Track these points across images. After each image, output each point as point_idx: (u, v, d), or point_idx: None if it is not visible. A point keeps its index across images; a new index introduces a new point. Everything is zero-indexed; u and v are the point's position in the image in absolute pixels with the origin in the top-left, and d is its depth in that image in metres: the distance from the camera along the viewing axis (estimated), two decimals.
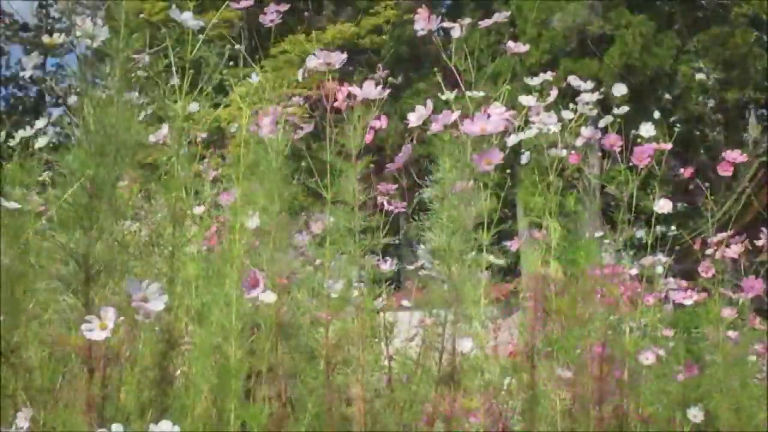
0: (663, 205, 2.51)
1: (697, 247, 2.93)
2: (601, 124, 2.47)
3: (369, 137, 1.94)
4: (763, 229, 2.72)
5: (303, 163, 2.03)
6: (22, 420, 1.56)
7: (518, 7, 14.78)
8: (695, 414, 2.50)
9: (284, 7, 1.94)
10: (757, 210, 9.38)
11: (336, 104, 1.89)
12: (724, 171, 2.70)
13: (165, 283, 1.73)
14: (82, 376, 1.53)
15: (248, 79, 2.06)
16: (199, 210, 2.10)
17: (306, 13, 16.20)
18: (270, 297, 1.87)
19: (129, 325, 1.73)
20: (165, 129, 1.87)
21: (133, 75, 1.72)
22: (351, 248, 1.94)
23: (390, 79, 1.99)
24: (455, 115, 1.73)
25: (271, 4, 1.94)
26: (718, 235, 2.82)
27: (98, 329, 1.38)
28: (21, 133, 2.17)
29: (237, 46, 2.03)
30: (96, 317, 1.38)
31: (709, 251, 2.80)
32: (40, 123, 2.20)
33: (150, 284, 1.42)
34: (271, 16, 1.94)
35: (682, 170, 3.07)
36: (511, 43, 1.93)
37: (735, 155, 2.68)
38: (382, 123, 2.00)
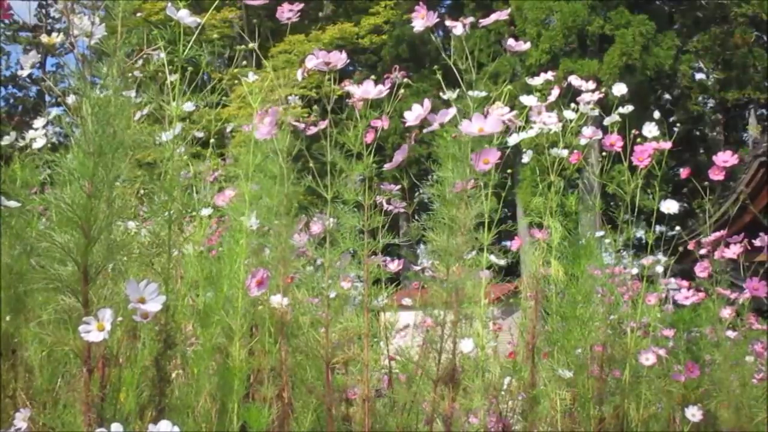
0: (669, 206, 2.49)
1: (691, 247, 2.90)
2: (606, 122, 2.45)
3: (370, 137, 1.93)
4: (761, 234, 2.69)
5: (304, 163, 2.02)
6: (20, 420, 1.56)
7: (518, 7, 14.77)
8: (693, 413, 2.49)
9: (299, 6, 1.92)
10: (755, 212, 9.37)
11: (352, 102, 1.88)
12: (716, 175, 2.58)
13: (163, 283, 1.72)
14: (81, 376, 1.52)
15: (247, 79, 2.05)
16: (206, 212, 2.10)
17: (320, 13, 16.16)
18: (278, 298, 1.87)
19: (128, 325, 1.73)
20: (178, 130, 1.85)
21: (131, 75, 1.72)
22: (357, 248, 1.93)
23: (405, 80, 1.98)
24: (452, 113, 1.71)
25: (285, 3, 1.93)
26: (712, 236, 2.79)
27: (96, 330, 1.37)
28: (30, 134, 2.17)
29: (251, 45, 2.03)
30: (94, 318, 1.38)
31: (703, 251, 2.78)
32: (39, 123, 2.19)
33: (148, 285, 1.42)
34: (288, 14, 1.92)
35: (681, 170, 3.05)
36: (511, 41, 1.88)
37: (726, 158, 2.55)
38: (384, 123, 1.99)
